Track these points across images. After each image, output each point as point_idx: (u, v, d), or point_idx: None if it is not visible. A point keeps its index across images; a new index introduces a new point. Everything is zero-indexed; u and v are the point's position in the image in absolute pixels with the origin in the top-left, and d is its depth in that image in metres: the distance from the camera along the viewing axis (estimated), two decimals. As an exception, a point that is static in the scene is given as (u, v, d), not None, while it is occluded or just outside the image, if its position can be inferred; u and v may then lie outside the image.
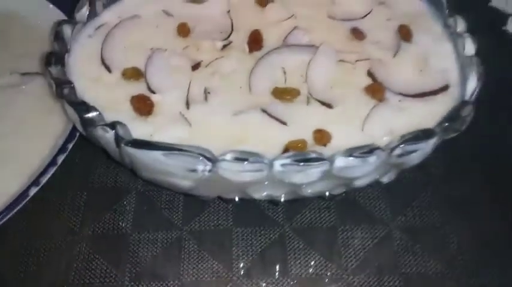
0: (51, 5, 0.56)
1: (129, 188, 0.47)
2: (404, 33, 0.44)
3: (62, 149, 0.44)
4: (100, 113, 0.36)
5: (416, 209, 0.45)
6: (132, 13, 0.46)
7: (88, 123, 0.36)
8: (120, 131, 0.35)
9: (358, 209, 0.45)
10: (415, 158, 0.36)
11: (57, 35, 0.42)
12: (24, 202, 0.41)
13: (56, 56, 0.40)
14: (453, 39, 0.43)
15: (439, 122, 0.36)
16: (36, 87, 0.52)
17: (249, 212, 0.44)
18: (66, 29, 0.42)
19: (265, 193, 0.37)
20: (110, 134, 0.35)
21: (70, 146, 0.44)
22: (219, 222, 0.45)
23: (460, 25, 0.42)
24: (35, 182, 0.42)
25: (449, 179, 0.47)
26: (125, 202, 0.46)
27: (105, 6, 0.46)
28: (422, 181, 0.46)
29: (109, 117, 0.37)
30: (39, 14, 0.56)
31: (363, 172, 0.35)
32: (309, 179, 0.34)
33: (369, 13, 0.46)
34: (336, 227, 0.44)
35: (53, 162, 0.43)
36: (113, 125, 0.35)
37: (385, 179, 0.39)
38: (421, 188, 0.46)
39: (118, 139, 0.34)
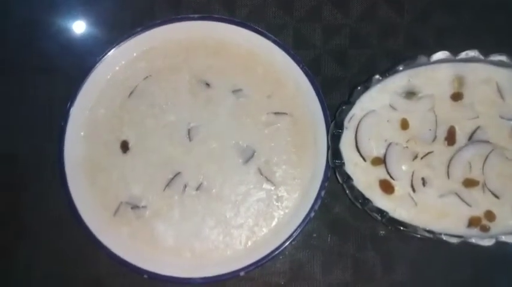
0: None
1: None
2: None
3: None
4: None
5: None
6: (370, 107, 0.70)
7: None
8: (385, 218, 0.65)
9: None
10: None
11: (332, 137, 0.68)
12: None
13: (336, 153, 0.67)
14: None
15: None
16: (288, 125, 0.75)
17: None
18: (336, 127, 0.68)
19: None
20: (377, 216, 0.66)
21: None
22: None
23: None
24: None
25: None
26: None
27: (352, 103, 0.69)
28: None
29: (367, 194, 0.67)
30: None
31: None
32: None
33: None
34: None
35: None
36: (381, 212, 0.66)
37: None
38: None
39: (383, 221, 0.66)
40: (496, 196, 0.67)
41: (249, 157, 0.75)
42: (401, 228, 0.65)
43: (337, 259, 0.78)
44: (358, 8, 0.84)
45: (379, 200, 0.67)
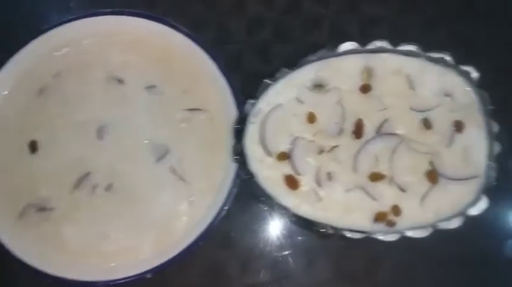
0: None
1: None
2: (458, 127, 0.66)
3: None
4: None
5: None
6: (276, 101, 0.67)
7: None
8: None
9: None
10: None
11: (235, 132, 0.66)
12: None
13: (238, 149, 0.65)
14: (489, 137, 0.65)
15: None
16: (203, 121, 0.72)
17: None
18: (239, 122, 0.66)
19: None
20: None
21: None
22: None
23: (495, 127, 0.64)
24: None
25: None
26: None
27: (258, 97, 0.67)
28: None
29: (274, 192, 0.65)
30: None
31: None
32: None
33: (437, 105, 0.67)
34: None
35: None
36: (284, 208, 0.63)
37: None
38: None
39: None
40: (403, 190, 0.65)
41: (162, 155, 0.73)
42: (304, 224, 0.62)
43: (256, 259, 0.76)
44: (282, 0, 0.82)
45: (285, 196, 0.65)
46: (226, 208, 0.68)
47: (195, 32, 0.74)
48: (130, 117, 0.74)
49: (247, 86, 0.70)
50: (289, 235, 0.76)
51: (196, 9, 0.83)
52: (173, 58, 0.75)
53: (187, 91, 0.75)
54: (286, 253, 0.76)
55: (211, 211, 0.70)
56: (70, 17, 0.74)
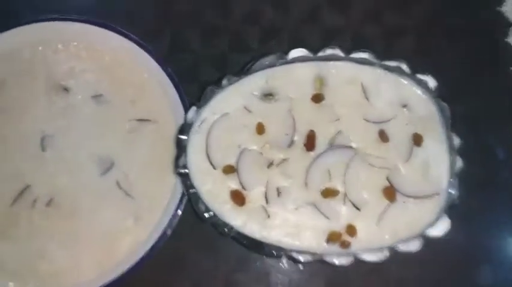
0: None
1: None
2: (417, 140, 0.61)
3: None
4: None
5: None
6: (222, 110, 0.63)
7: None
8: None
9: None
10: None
11: (178, 142, 0.61)
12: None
13: (180, 160, 0.61)
14: (450, 151, 0.61)
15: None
16: (152, 133, 0.68)
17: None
18: (183, 132, 0.61)
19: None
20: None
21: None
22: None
23: (456, 141, 0.60)
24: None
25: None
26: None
27: (203, 105, 0.63)
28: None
29: (218, 208, 0.60)
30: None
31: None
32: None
33: (393, 117, 0.62)
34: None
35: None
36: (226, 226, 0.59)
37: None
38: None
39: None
40: (357, 208, 0.60)
41: (107, 168, 0.68)
42: (250, 244, 0.57)
43: (209, 281, 0.70)
44: (239, 10, 0.79)
45: (230, 213, 0.60)
46: (173, 225, 0.64)
47: (149, 41, 0.71)
48: (75, 127, 0.70)
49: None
50: (242, 255, 0.70)
51: (151, 17, 0.79)
52: (122, 66, 0.72)
53: (136, 101, 0.71)
54: (240, 274, 0.70)
55: (157, 228, 0.65)
56: (12, 23, 0.70)
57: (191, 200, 0.60)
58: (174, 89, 0.69)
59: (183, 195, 0.64)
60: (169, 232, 0.64)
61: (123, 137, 0.70)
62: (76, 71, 0.71)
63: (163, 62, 0.69)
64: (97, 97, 0.71)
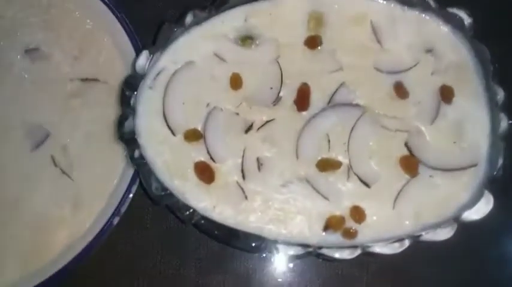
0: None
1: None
2: (446, 94, 0.47)
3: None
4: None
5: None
6: (186, 58, 0.49)
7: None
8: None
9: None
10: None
11: (124, 98, 0.46)
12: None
13: (126, 122, 0.45)
14: (491, 108, 0.46)
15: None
16: (100, 95, 0.57)
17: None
18: (132, 86, 0.46)
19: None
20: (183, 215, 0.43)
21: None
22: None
23: (500, 93, 0.45)
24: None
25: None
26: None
27: (161, 50, 0.48)
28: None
29: (178, 186, 0.45)
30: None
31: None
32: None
33: (414, 65, 0.48)
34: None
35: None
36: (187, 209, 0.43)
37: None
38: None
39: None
40: (366, 184, 0.46)
41: (40, 140, 0.57)
42: (221, 234, 0.42)
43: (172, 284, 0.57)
44: None
45: (194, 192, 0.47)
46: (121, 213, 0.52)
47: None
48: (1, 90, 0.58)
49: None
50: (214, 250, 0.56)
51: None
52: (63, 13, 0.60)
53: (81, 56, 0.59)
54: (213, 276, 0.56)
55: (101, 217, 0.54)
56: None
57: (140, 175, 0.45)
58: (128, 38, 0.56)
59: (136, 174, 0.52)
60: (116, 221, 0.53)
61: (63, 101, 0.58)
62: (6, 21, 0.59)
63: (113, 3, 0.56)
64: (31, 51, 0.59)
